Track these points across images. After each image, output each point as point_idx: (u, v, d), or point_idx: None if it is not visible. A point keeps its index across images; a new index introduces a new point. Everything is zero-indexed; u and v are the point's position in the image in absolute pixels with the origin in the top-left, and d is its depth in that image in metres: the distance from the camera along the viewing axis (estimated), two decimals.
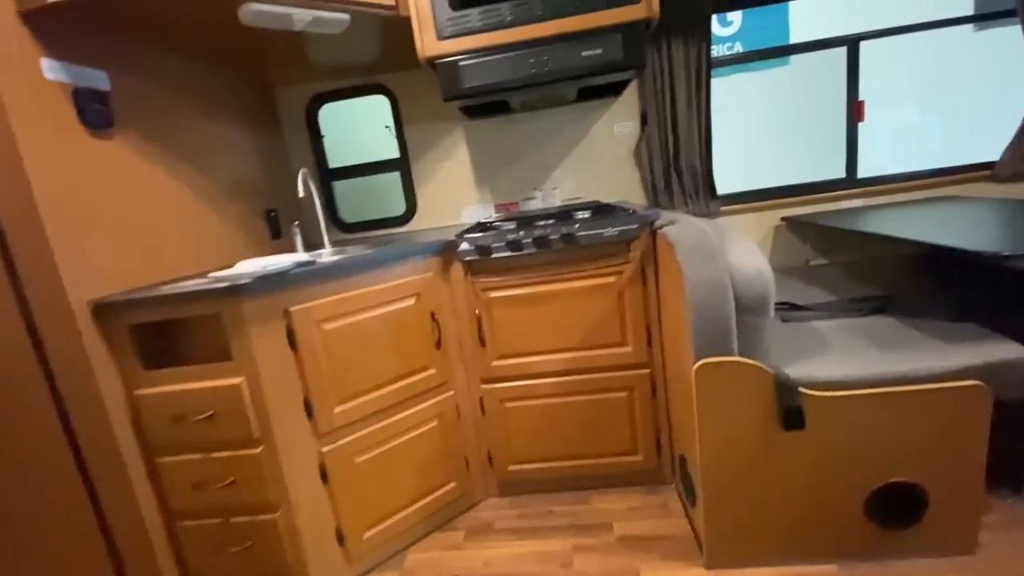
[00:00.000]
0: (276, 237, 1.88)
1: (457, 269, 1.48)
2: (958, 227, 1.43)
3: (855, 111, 1.92)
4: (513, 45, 1.45)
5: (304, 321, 1.21)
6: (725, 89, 1.92)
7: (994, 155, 1.87)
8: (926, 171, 1.93)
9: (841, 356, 1.17)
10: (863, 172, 1.97)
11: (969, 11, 2.99)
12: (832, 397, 1.11)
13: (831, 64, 1.98)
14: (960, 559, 1.17)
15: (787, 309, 1.50)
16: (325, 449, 1.27)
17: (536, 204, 2.04)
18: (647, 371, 1.48)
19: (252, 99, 1.87)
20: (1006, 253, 1.03)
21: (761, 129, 3.18)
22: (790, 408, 1.11)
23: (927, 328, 1.24)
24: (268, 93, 1.99)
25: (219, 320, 1.12)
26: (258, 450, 1.17)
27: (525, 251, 1.42)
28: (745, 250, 1.18)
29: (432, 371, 1.46)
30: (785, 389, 1.11)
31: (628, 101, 1.94)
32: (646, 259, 1.42)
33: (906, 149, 3.68)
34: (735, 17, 3.28)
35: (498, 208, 2.06)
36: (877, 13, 2.43)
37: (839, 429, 1.13)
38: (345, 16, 1.37)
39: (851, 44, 1.88)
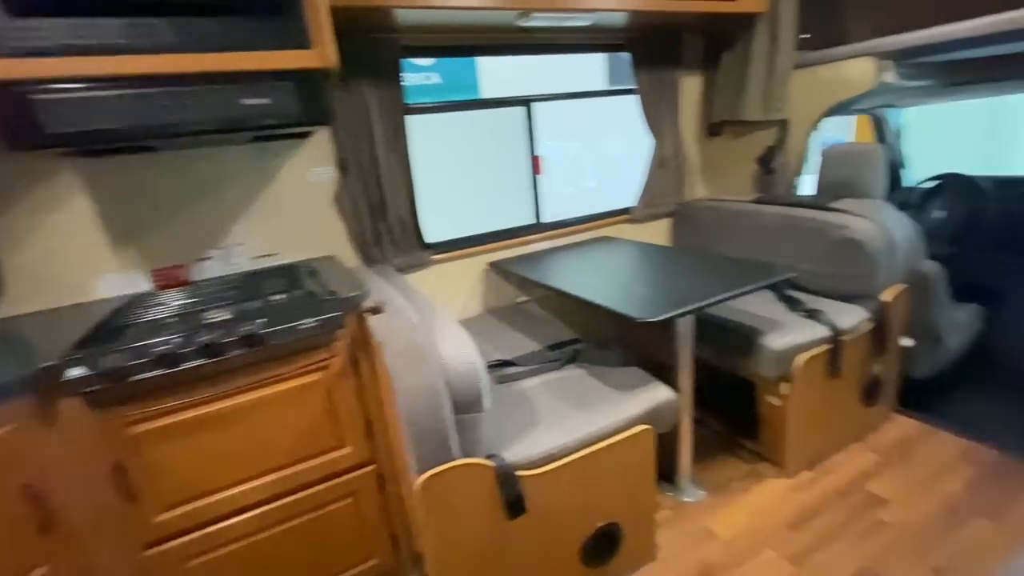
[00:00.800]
0: None
1: (71, 405, 0.99)
2: (613, 277, 1.72)
3: (534, 165, 2.15)
4: (129, 80, 1.04)
5: None
6: (421, 131, 1.87)
7: (632, 201, 2.38)
8: (589, 216, 2.33)
9: (550, 425, 1.24)
10: (547, 217, 2.24)
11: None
12: (545, 473, 1.16)
13: (514, 117, 2.16)
14: (648, 568, 1.41)
15: (499, 366, 1.55)
16: None
17: (215, 267, 1.60)
18: (372, 467, 1.31)
19: None
20: (639, 319, 1.24)
21: (460, 176, 3.38)
22: (512, 497, 1.11)
23: (607, 378, 1.44)
24: None
25: None
26: None
27: (188, 364, 1.05)
28: (454, 339, 1.12)
29: (43, 570, 0.95)
30: (505, 479, 1.10)
31: (320, 144, 1.69)
32: (357, 344, 1.24)
33: (576, 197, 4.55)
34: None
35: (157, 276, 1.54)
36: (547, 77, 2.81)
37: (554, 499, 1.19)
38: None
39: (526, 104, 2.08)
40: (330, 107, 1.43)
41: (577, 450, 1.20)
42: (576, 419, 1.26)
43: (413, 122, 1.80)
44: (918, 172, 2.70)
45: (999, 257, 2.27)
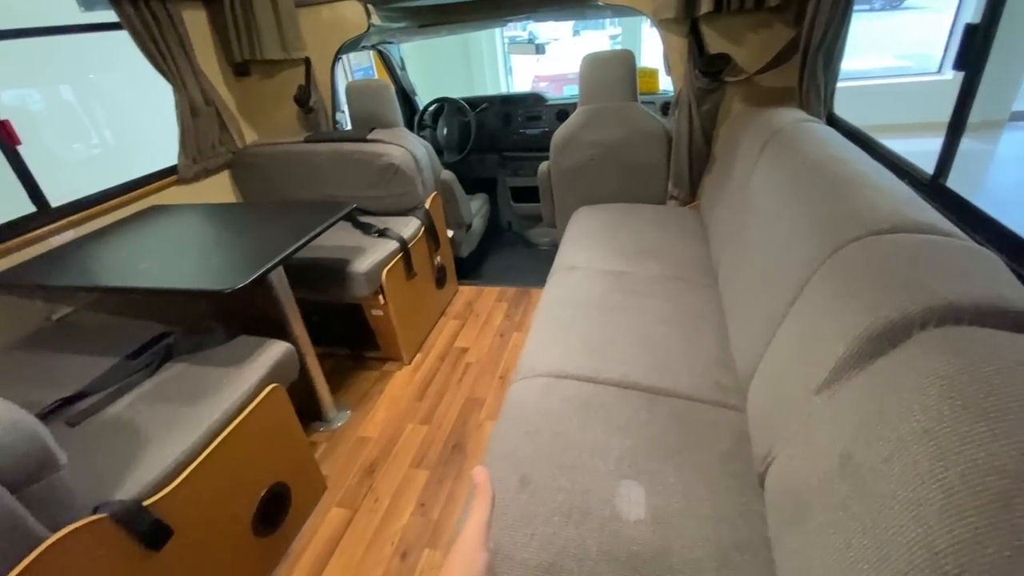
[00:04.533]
0: None
1: None
2: (182, 251, 1.56)
3: (3, 134, 1.55)
4: None
5: None
6: None
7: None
8: (123, 184, 1.91)
9: (164, 435, 1.12)
10: (60, 197, 1.71)
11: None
12: (180, 484, 1.07)
13: None
14: (324, 498, 1.55)
15: (64, 406, 1.22)
16: None
17: None
18: None
19: None
20: (227, 290, 1.22)
21: None
22: (147, 531, 0.99)
23: (214, 358, 1.36)
24: None
25: None
26: None
27: None
28: None
29: None
30: (129, 518, 0.97)
31: None
32: None
33: (97, 160, 3.48)
34: None
35: None
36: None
37: (204, 500, 1.13)
38: None
39: None
40: None
41: (209, 443, 1.15)
42: (190, 417, 1.17)
43: None
44: (425, 97, 3.38)
45: (484, 156, 3.20)
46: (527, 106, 3.03)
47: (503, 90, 5.97)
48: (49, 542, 0.85)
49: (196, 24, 2.11)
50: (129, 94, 3.66)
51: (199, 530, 1.12)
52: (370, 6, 2.17)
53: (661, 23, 1.91)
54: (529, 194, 3.09)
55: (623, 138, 2.14)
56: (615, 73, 2.11)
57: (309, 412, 1.77)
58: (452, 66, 5.50)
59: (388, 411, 1.87)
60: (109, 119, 3.65)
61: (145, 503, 1.00)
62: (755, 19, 1.80)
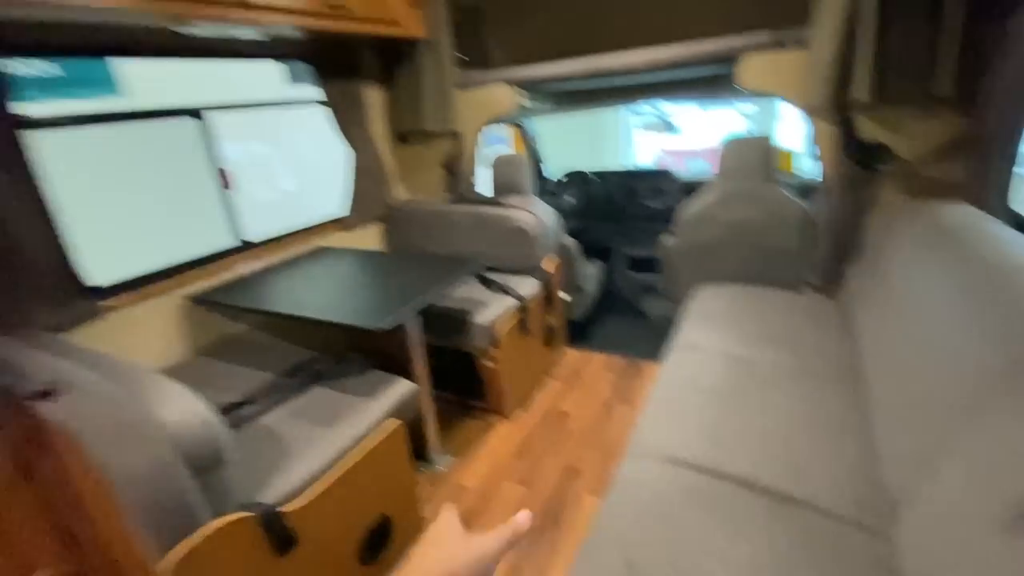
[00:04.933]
0: None
1: None
2: (337, 289, 1.79)
3: (222, 180, 1.96)
4: None
5: None
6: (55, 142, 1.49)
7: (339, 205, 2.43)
8: (300, 229, 2.27)
9: (302, 452, 1.26)
10: (249, 231, 2.08)
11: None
12: (308, 500, 1.18)
13: (178, 130, 1.90)
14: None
15: (232, 409, 1.43)
16: None
17: None
18: None
19: None
20: (374, 328, 1.38)
21: (127, 199, 2.74)
22: (279, 537, 1.10)
23: (349, 387, 1.52)
24: None
25: None
26: None
27: None
28: (173, 397, 1.01)
29: None
30: (269, 522, 1.09)
31: None
32: (25, 447, 0.97)
33: (278, 204, 4.21)
34: None
35: None
36: (214, 69, 2.51)
37: (323, 519, 1.23)
38: None
39: (194, 115, 1.86)
40: None
41: (334, 466, 1.26)
42: (328, 438, 1.31)
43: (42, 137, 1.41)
44: (551, 166, 3.60)
45: (603, 224, 3.27)
46: (653, 180, 3.09)
47: (626, 161, 6.14)
48: (211, 527, 0.99)
49: (373, 99, 2.52)
50: (309, 150, 4.39)
51: (316, 546, 1.22)
52: (518, 89, 2.42)
53: (810, 110, 1.88)
54: (646, 264, 3.08)
55: (758, 219, 2.08)
56: (753, 155, 2.09)
57: (415, 451, 1.86)
58: (578, 137, 5.81)
59: (487, 463, 1.90)
60: (293, 170, 4.39)
61: (280, 510, 1.12)
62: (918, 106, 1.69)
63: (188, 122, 1.85)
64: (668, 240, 2.27)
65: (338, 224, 2.42)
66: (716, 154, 2.21)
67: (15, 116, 1.35)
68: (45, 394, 0.97)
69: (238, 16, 1.49)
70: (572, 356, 2.61)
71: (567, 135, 5.66)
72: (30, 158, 1.38)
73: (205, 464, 0.99)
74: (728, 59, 1.92)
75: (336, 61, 2.22)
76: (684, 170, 3.18)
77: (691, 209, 2.19)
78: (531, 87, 2.40)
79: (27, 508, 0.99)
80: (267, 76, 3.57)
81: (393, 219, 2.60)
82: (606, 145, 6.23)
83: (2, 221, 1.33)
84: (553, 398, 2.27)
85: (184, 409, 0.99)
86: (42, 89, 2.62)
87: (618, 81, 2.41)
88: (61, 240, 1.47)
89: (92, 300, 1.54)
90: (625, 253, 3.11)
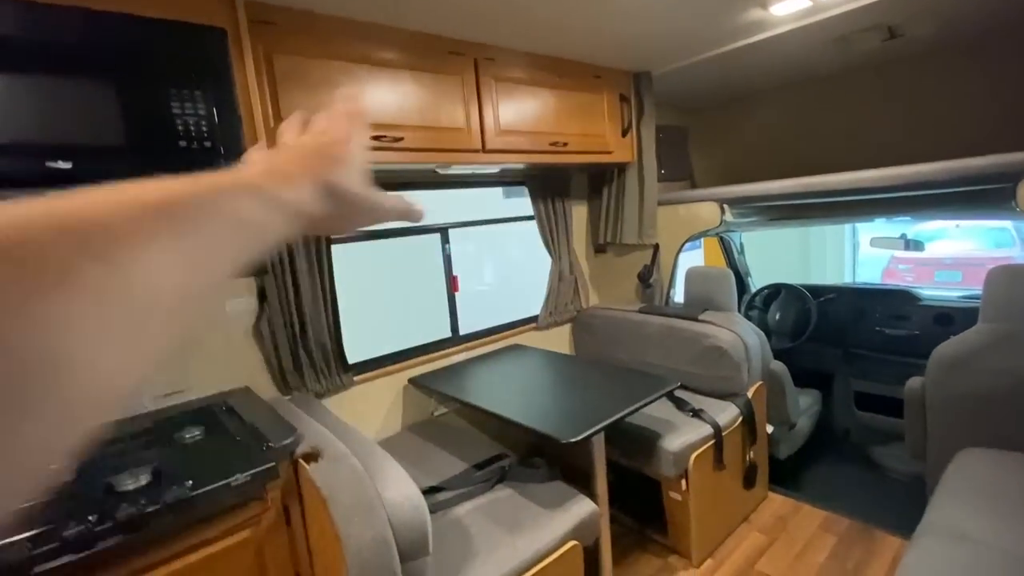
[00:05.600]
0: None
1: None
2: (529, 390, 1.88)
3: (452, 284, 2.32)
4: None
5: None
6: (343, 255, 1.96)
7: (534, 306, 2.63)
8: (500, 326, 2.51)
9: (486, 557, 1.29)
10: (463, 330, 2.38)
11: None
12: None
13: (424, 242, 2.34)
14: None
15: (430, 493, 1.57)
16: None
17: None
18: None
19: None
20: (563, 441, 1.40)
21: (375, 296, 3.48)
22: None
23: (534, 495, 1.54)
24: None
25: None
26: None
27: (104, 544, 0.96)
28: (396, 481, 1.16)
29: None
30: None
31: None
32: (288, 495, 1.21)
33: (478, 296, 4.82)
34: None
35: None
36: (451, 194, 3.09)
37: None
38: None
39: (443, 231, 2.28)
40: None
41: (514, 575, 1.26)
42: (509, 546, 1.33)
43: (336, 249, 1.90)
44: (756, 279, 3.35)
45: (822, 348, 2.85)
46: (890, 301, 2.63)
47: (847, 278, 5.37)
48: None
49: (579, 214, 2.75)
50: (511, 253, 4.93)
51: None
52: (723, 205, 2.39)
53: None
54: (879, 403, 2.54)
55: None
56: None
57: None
58: (787, 249, 5.34)
59: None
60: (493, 266, 4.97)
61: None
62: None
63: (435, 237, 2.28)
64: (916, 383, 1.86)
65: (531, 323, 2.60)
66: (972, 269, 1.80)
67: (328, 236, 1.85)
68: (311, 457, 1.21)
69: (486, 159, 1.85)
70: (776, 502, 2.21)
71: (772, 243, 5.26)
72: (331, 266, 1.85)
73: (412, 549, 1.09)
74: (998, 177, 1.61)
75: (549, 184, 2.53)
76: (930, 286, 2.63)
77: (948, 349, 1.78)
78: (739, 203, 2.35)
79: (282, 550, 1.21)
80: (489, 193, 4.22)
81: (582, 323, 2.70)
82: (821, 257, 5.58)
83: (305, 314, 1.78)
84: (752, 552, 1.93)
85: (403, 493, 1.13)
86: None
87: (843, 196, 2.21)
88: (339, 328, 1.89)
89: (348, 375, 1.92)
90: (852, 386, 2.63)
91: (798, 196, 2.15)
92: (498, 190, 4.27)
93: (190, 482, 1.06)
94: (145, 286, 0.20)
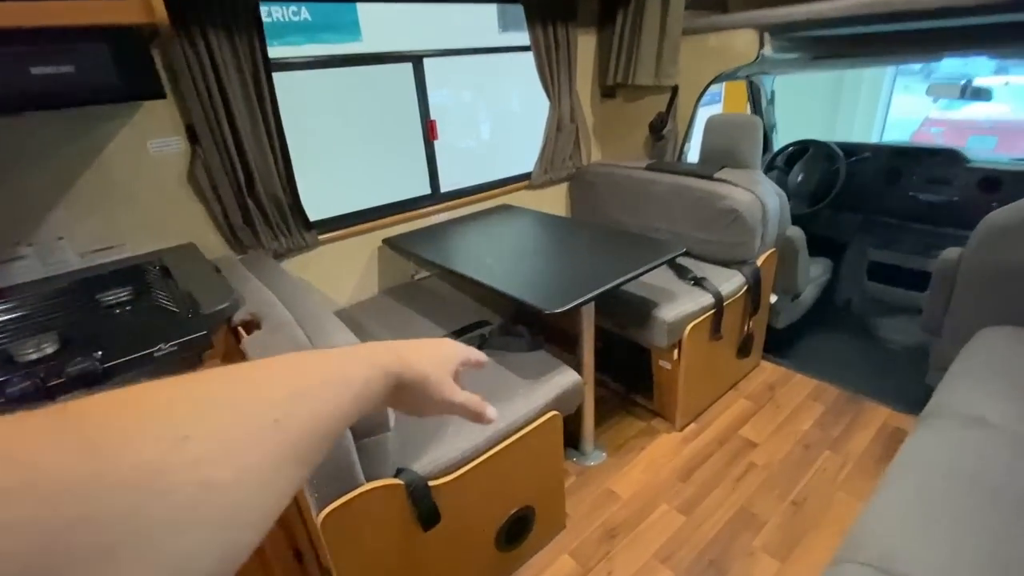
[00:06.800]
0: None
1: None
2: (516, 256, 1.68)
3: (429, 129, 1.97)
4: None
5: None
6: (290, 85, 1.61)
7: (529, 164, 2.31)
8: (488, 183, 2.23)
9: (459, 427, 1.20)
10: (444, 179, 2.10)
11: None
12: (458, 478, 1.13)
13: (403, 71, 1.93)
14: (559, 537, 1.48)
15: None
16: None
17: (31, 268, 1.28)
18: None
19: None
20: (546, 312, 1.24)
21: (342, 141, 3.04)
22: (426, 510, 1.07)
23: (515, 365, 1.42)
24: None
25: None
26: None
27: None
28: (343, 343, 1.01)
29: None
30: (417, 494, 1.06)
31: (162, 109, 1.38)
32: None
33: (472, 152, 4.33)
34: None
35: None
36: (434, 17, 2.55)
37: (468, 500, 1.18)
38: None
39: (415, 61, 1.87)
40: (159, 75, 1.15)
41: (488, 449, 1.19)
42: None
43: (280, 79, 1.53)
44: (780, 136, 2.95)
45: (841, 214, 2.60)
46: (931, 162, 2.31)
47: (875, 136, 4.87)
48: (363, 488, 0.98)
49: (584, 48, 2.28)
50: (508, 101, 4.38)
51: (457, 526, 1.17)
52: (765, 35, 1.93)
53: None
54: (895, 275, 2.37)
55: None
56: None
57: (568, 438, 1.73)
58: (813, 102, 4.73)
59: (646, 476, 1.68)
60: (492, 119, 4.46)
61: (430, 483, 1.09)
62: None
63: (407, 68, 1.87)
64: (953, 253, 1.64)
65: (523, 181, 2.31)
66: (1009, 135, 1.48)
67: (268, 60, 1.47)
68: (250, 326, 1.04)
69: None
70: (767, 371, 2.16)
71: (798, 94, 4.65)
72: (273, 100, 1.51)
73: (368, 429, 0.98)
74: None
75: (550, 2, 2.03)
76: (989, 156, 2.30)
77: (1005, 215, 1.53)
78: (782, 32, 1.89)
79: None
80: (480, 25, 3.57)
81: (580, 180, 2.40)
82: (851, 111, 4.98)
83: (248, 158, 1.49)
84: (737, 418, 1.91)
85: None
86: (291, 33, 2.98)
87: (913, 24, 1.76)
88: (292, 177, 1.62)
89: (310, 234, 1.70)
90: (868, 256, 2.43)
91: (860, 21, 1.70)
92: (493, 19, 3.62)
93: (99, 352, 0.90)
94: None
